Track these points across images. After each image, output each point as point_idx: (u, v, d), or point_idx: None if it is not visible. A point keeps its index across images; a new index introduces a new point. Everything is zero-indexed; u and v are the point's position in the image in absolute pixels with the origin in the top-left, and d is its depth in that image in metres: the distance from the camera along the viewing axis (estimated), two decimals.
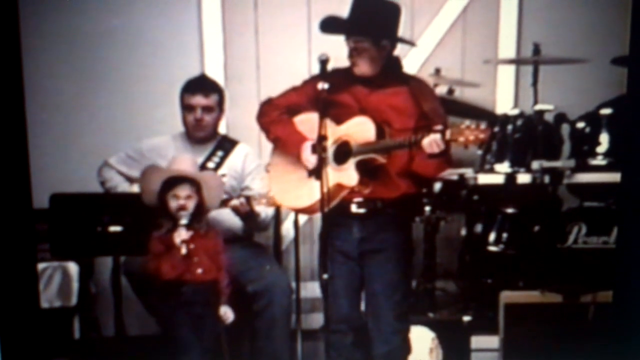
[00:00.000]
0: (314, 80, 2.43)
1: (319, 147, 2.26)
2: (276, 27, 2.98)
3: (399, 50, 2.44)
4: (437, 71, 3.02)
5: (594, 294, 2.73)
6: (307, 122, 2.43)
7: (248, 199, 2.62)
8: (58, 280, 2.77)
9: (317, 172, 2.30)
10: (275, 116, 2.49)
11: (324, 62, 2.33)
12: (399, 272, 2.47)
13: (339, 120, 2.41)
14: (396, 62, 2.47)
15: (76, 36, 2.81)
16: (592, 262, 2.77)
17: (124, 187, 2.76)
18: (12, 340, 2.46)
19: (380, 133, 2.34)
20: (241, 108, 2.89)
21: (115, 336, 2.70)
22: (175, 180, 2.44)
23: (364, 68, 2.39)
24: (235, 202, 2.62)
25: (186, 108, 2.75)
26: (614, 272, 2.69)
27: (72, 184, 2.65)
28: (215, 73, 2.98)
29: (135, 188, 2.70)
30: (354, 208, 2.42)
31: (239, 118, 2.93)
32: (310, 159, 2.39)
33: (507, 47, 3.04)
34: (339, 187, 2.38)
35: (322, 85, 2.27)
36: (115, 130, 2.80)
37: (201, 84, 2.77)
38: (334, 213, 2.34)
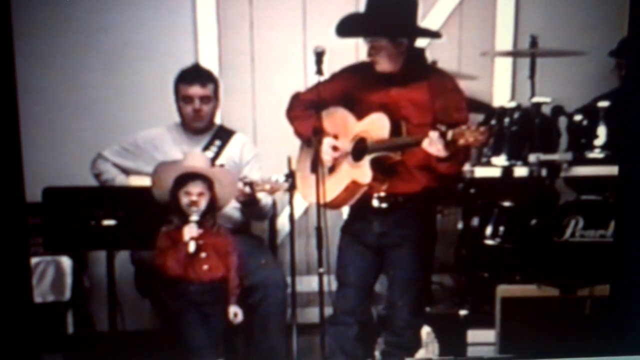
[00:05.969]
0: (342, 73, 2.42)
1: (314, 139, 2.26)
2: (271, 19, 2.95)
3: None
4: (434, 63, 3.00)
5: (591, 287, 2.73)
6: (332, 116, 2.42)
7: (251, 184, 2.60)
8: (51, 274, 2.75)
9: (313, 165, 2.30)
10: (299, 111, 2.50)
11: (319, 54, 2.32)
12: (416, 267, 2.46)
13: (360, 116, 2.40)
14: (419, 55, 2.45)
15: (69, 29, 2.78)
16: (589, 255, 2.76)
17: (121, 179, 2.74)
18: (5, 335, 2.45)
19: (395, 130, 2.34)
20: (235, 100, 2.87)
21: (109, 331, 2.68)
22: (187, 177, 2.44)
23: (383, 65, 2.38)
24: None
25: (183, 99, 2.73)
26: (611, 266, 2.68)
27: (65, 178, 2.63)
28: (209, 65, 2.96)
29: (132, 180, 2.69)
30: (375, 202, 2.41)
31: (234, 110, 2.91)
32: (328, 156, 2.40)
33: (504, 40, 3.02)
34: (355, 184, 2.37)
35: (318, 77, 2.26)
36: (108, 123, 2.77)
37: (197, 74, 2.75)
38: (355, 207, 2.34)
